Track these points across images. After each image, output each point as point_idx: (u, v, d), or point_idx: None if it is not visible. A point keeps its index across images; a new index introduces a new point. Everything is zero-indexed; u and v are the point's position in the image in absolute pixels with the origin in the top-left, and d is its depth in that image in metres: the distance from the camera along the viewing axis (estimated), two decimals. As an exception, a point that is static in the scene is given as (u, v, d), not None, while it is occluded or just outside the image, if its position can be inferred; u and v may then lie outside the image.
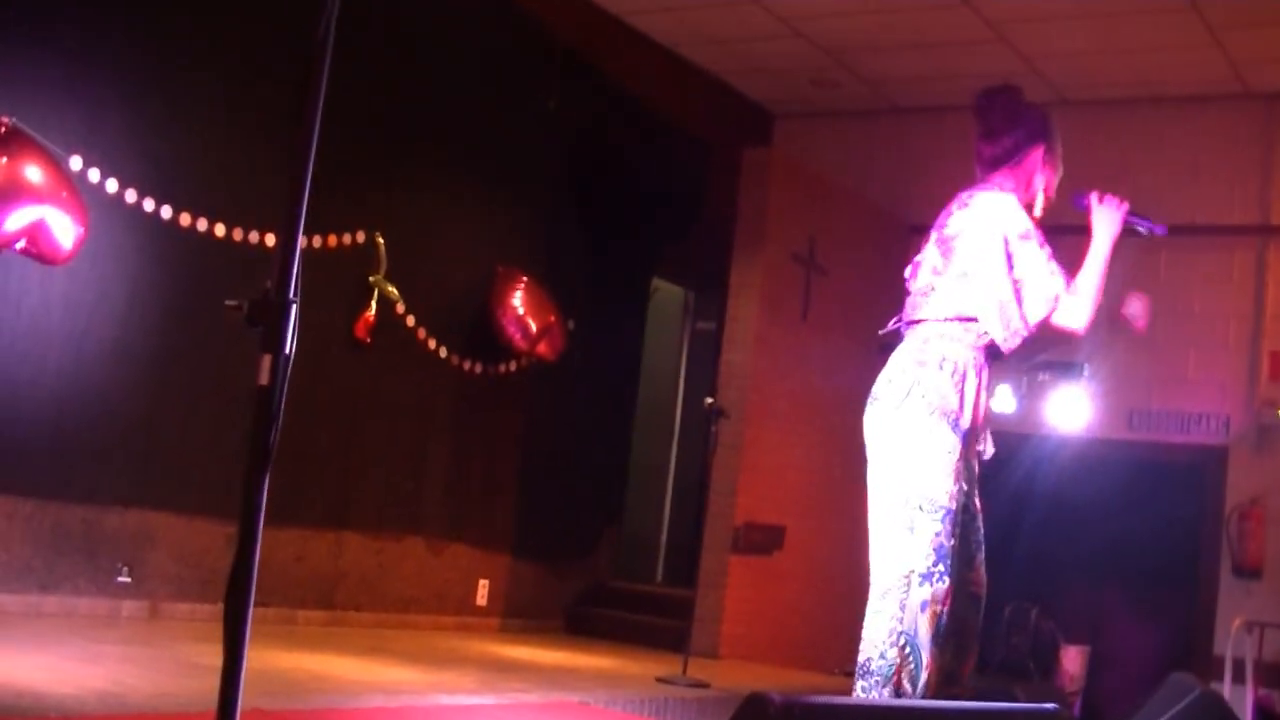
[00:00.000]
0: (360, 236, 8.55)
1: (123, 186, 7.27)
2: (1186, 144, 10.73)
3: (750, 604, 10.47)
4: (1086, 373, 8.17)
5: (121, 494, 7.46)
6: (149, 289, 7.51)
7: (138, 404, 7.51)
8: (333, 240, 8.34)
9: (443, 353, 9.27)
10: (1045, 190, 4.84)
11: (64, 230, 6.62)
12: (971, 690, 4.65)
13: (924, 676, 4.38)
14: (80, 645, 6.13)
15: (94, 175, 7.13)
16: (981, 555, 4.68)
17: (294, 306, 2.58)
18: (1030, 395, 8.23)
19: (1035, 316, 4.54)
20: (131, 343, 7.45)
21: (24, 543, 7.02)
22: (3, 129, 6.48)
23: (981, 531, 4.69)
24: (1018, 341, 4.53)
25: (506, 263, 9.58)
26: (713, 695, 7.75)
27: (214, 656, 6.43)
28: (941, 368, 4.51)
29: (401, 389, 9.09)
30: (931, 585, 4.41)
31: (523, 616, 10.05)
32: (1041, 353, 4.66)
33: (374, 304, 8.61)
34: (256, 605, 2.71)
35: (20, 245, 6.57)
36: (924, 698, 4.38)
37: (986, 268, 4.56)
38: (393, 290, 8.74)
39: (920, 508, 4.45)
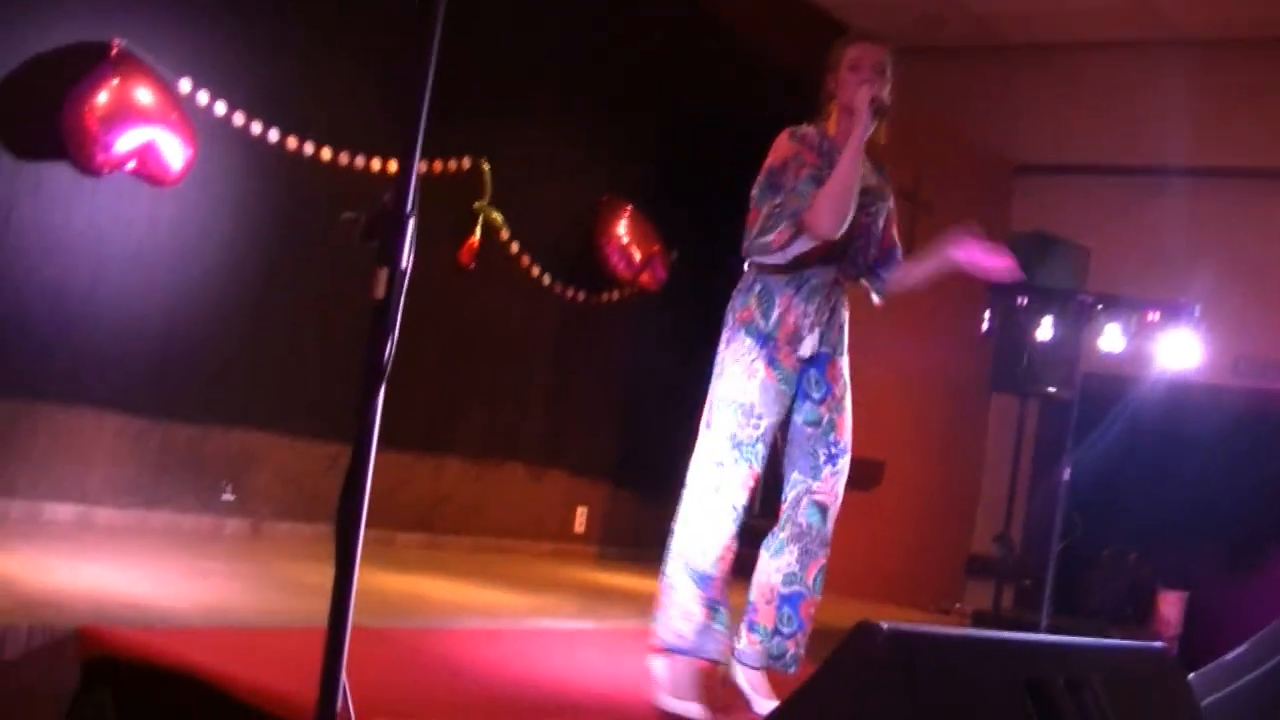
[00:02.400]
0: (466, 163, 8.55)
1: (231, 109, 7.29)
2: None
3: (847, 539, 10.40)
4: (1197, 314, 8.04)
5: (226, 414, 7.54)
6: (256, 212, 7.55)
7: (243, 326, 7.58)
8: (438, 166, 8.34)
9: (546, 280, 9.27)
10: (850, 106, 5.00)
11: (173, 152, 6.67)
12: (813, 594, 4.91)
13: (717, 553, 4.71)
14: (185, 561, 6.21)
15: (203, 98, 7.15)
16: (835, 466, 4.92)
17: (412, 220, 2.57)
18: (1139, 335, 8.11)
19: (770, 232, 4.78)
20: (238, 265, 7.50)
21: (132, 460, 7.11)
22: (114, 51, 6.52)
23: (839, 444, 4.93)
24: (769, 255, 4.79)
25: (611, 192, 9.55)
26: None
27: (315, 576, 6.52)
28: (750, 288, 4.88)
29: (505, 316, 9.11)
30: (724, 471, 4.73)
31: (620, 544, 10.08)
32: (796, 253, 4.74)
33: (479, 231, 8.62)
34: (358, 526, 2.72)
35: (130, 167, 6.62)
36: (719, 575, 4.72)
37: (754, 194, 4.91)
38: (498, 217, 8.74)
39: (718, 405, 4.81)
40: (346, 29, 7.89)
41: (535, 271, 9.18)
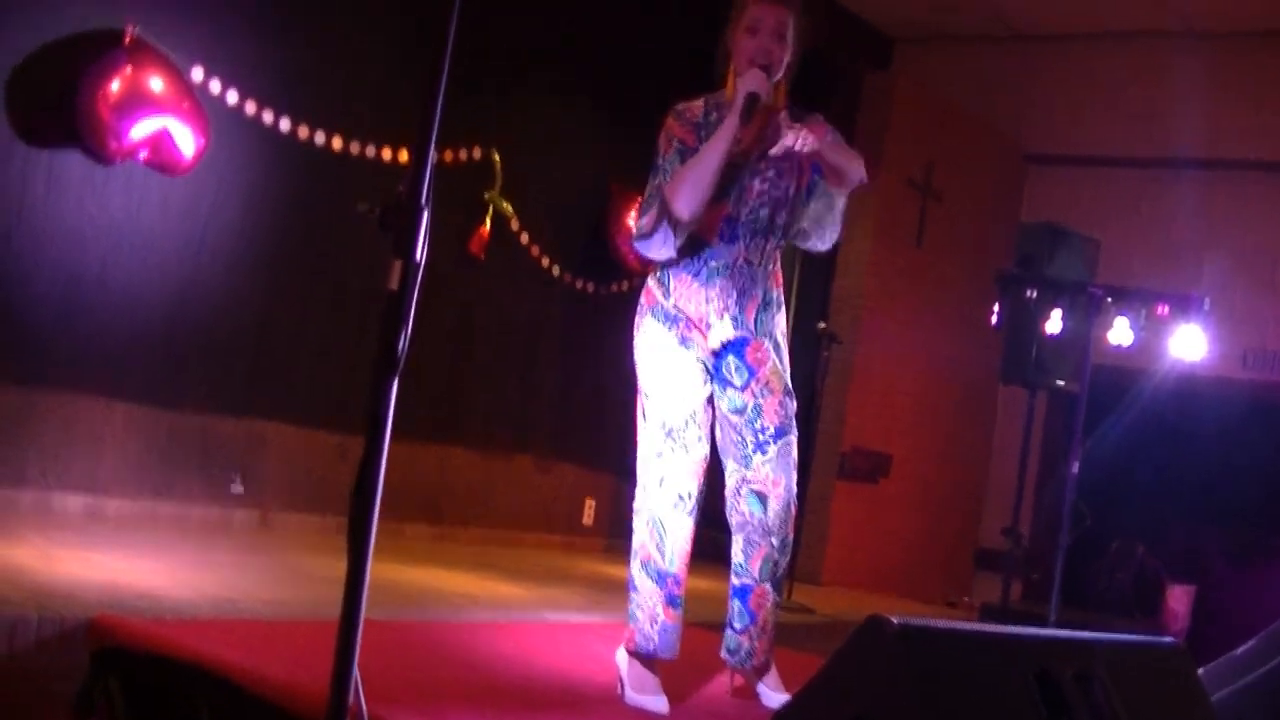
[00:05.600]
0: (477, 152, 8.55)
1: (243, 98, 7.30)
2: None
3: (854, 530, 10.46)
4: (1206, 307, 8.00)
5: (234, 403, 7.55)
6: (266, 200, 7.55)
7: (252, 314, 7.58)
8: (449, 155, 8.34)
9: (555, 271, 9.26)
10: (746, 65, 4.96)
11: (185, 141, 6.67)
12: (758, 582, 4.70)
13: (670, 545, 4.66)
14: (194, 552, 6.22)
15: (215, 86, 7.16)
16: (766, 454, 4.65)
17: (426, 213, 2.57)
18: (1148, 328, 8.08)
19: (643, 214, 4.64)
20: (247, 253, 7.50)
21: (140, 448, 7.12)
22: (127, 39, 6.52)
23: (767, 429, 4.64)
24: (649, 243, 4.61)
25: (621, 182, 9.53)
26: (818, 621, 7.75)
27: (324, 568, 6.51)
28: (653, 274, 4.74)
29: (514, 306, 9.10)
30: (664, 461, 4.64)
31: (628, 537, 10.05)
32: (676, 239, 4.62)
33: (489, 220, 8.61)
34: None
35: (143, 156, 6.63)
36: (679, 570, 4.68)
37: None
38: (508, 207, 8.74)
39: (644, 395, 4.69)
40: (359, 18, 7.89)
41: (544, 261, 9.17)
